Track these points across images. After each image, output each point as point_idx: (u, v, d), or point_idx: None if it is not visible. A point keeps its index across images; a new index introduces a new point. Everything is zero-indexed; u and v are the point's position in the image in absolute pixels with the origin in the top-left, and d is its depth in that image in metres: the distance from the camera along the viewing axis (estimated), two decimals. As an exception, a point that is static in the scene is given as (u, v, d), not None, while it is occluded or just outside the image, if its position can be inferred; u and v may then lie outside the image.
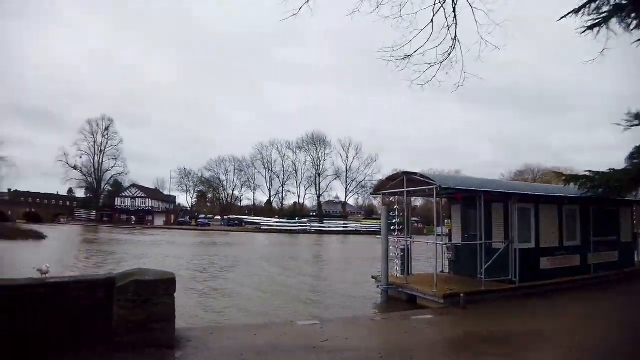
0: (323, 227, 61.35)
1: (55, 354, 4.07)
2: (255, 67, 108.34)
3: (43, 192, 75.23)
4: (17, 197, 70.04)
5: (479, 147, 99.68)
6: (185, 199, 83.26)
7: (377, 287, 10.13)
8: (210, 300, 10.68)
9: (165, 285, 4.79)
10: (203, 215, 73.04)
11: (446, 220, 11.27)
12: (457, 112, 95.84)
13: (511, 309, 8.03)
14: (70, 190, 77.50)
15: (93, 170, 72.27)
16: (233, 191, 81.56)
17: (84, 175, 72.50)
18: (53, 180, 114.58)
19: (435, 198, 9.54)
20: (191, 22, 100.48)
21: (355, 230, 59.54)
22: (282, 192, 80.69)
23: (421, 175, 9.73)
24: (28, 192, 72.73)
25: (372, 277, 11.02)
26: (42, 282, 4.21)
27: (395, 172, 11.04)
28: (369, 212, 76.38)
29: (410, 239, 11.14)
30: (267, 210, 77.83)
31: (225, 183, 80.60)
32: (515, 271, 9.36)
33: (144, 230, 50.88)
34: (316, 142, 77.78)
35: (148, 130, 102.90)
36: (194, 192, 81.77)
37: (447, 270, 11.30)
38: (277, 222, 64.21)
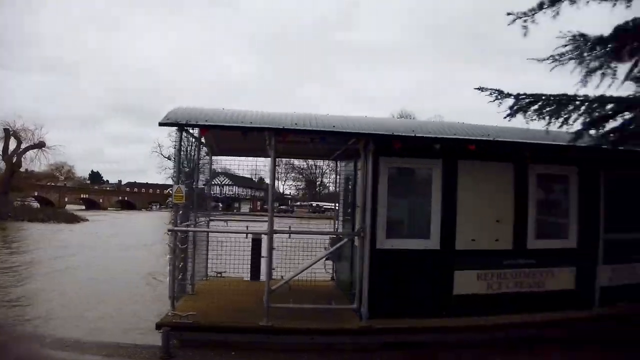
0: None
1: None
2: (323, 52, 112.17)
3: (151, 182, 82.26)
4: (123, 187, 77.84)
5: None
6: (279, 186, 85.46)
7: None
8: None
9: None
10: (298, 203, 72.14)
11: (172, 188, 5.39)
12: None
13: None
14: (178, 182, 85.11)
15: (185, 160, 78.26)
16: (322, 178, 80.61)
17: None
18: (152, 171, 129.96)
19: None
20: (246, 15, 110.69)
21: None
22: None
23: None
24: (135, 182, 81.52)
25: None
26: None
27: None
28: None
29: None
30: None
31: (316, 170, 79.20)
32: (361, 294, 4.45)
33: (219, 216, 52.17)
34: (405, 123, 75.97)
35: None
36: (286, 179, 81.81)
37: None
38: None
